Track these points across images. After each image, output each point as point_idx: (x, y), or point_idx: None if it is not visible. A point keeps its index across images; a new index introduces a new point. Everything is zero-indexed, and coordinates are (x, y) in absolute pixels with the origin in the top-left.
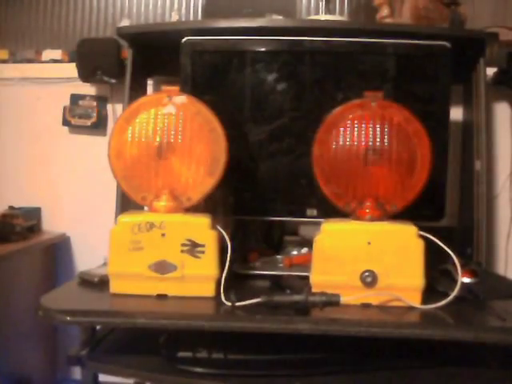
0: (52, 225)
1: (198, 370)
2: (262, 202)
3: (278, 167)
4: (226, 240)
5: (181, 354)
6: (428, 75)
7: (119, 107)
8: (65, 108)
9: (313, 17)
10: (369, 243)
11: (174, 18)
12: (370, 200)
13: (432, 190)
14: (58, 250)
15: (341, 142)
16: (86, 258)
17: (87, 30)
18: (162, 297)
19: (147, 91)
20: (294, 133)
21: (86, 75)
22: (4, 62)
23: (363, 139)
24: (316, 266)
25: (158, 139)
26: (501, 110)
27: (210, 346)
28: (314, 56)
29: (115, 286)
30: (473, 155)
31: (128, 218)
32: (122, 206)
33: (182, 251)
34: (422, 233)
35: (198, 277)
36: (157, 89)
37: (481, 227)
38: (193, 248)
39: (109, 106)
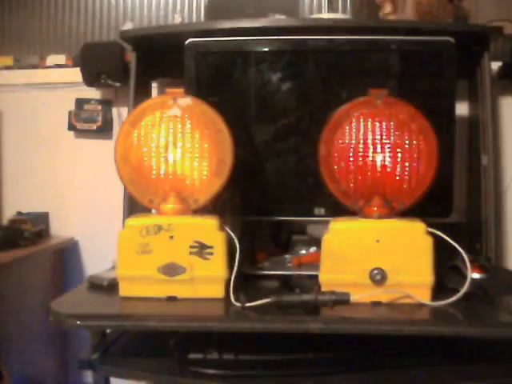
0: (60, 229)
1: (209, 371)
2: (269, 201)
3: (284, 167)
4: (234, 241)
5: (191, 356)
6: (433, 71)
7: (124, 110)
8: (70, 113)
9: (316, 15)
10: (377, 241)
11: (177, 20)
12: (377, 198)
13: (439, 186)
14: (67, 255)
15: (347, 140)
16: (95, 262)
17: (90, 34)
18: (171, 299)
19: (152, 94)
20: (300, 132)
21: (90, 79)
22: (9, 68)
23: (369, 137)
24: (325, 264)
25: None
26: (507, 103)
27: (220, 348)
28: (318, 55)
29: (124, 290)
30: (479, 150)
31: (136, 221)
32: (129, 209)
33: (191, 253)
34: (430, 229)
35: (207, 278)
36: (161, 91)
37: (489, 222)
38: (201, 250)
39: (114, 110)
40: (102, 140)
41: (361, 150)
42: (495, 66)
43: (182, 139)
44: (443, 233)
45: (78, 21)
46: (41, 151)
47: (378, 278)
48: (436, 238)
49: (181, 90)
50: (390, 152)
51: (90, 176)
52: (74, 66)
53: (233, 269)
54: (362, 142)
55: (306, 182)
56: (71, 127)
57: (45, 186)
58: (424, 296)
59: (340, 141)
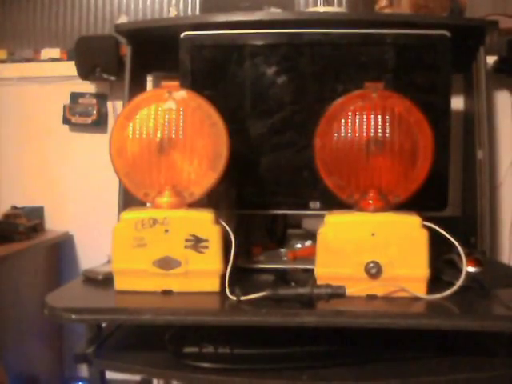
0: (55, 224)
1: (205, 365)
2: (264, 195)
3: (279, 160)
4: (229, 234)
5: (187, 350)
6: (428, 65)
7: (119, 104)
8: (65, 106)
9: (311, 9)
10: (373, 234)
11: (172, 13)
12: (372, 191)
13: (435, 180)
14: (62, 249)
15: (342, 134)
16: (90, 256)
17: (85, 27)
18: (166, 293)
19: (147, 87)
20: (296, 125)
21: (85, 73)
22: (2, 61)
23: (364, 130)
24: (320, 258)
25: (159, 135)
26: (502, 98)
27: (215, 341)
28: (314, 48)
29: (120, 283)
30: (475, 144)
31: (131, 215)
32: (124, 202)
33: (186, 247)
34: (425, 223)
35: (202, 272)
36: (156, 85)
37: (484, 216)
38: (196, 243)
39: (109, 104)
40: (97, 134)
41: (356, 143)
42: (491, 60)
43: (177, 132)
44: (438, 226)
45: (72, 14)
46: (35, 145)
47: (374, 271)
48: (431, 232)
49: (176, 84)
50: (385, 145)
51: (85, 170)
52: (69, 59)
53: (228, 262)
54: (357, 135)
55: (302, 175)
56: (66, 121)
57: (39, 179)
58: (419, 289)
59: (335, 134)
